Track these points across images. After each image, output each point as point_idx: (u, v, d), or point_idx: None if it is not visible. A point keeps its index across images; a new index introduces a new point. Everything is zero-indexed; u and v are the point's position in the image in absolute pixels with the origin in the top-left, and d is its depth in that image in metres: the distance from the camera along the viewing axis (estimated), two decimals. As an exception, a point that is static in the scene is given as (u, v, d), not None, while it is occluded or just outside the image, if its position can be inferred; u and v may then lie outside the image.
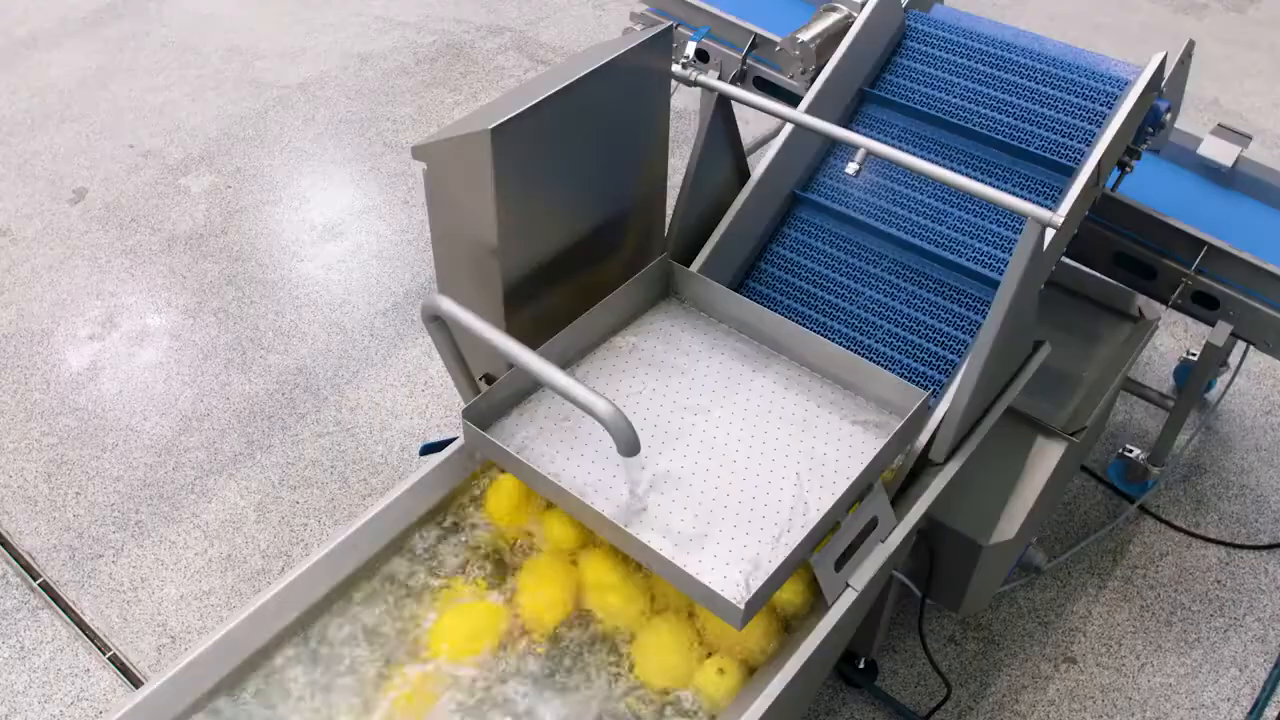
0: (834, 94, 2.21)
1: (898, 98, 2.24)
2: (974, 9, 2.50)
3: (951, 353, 2.01)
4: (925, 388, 1.98)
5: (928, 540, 1.99)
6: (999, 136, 2.14)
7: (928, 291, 2.07)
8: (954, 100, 2.22)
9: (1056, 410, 2.18)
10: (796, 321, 2.08)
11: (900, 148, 2.16)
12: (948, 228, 2.10)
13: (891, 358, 2.04)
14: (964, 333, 2.02)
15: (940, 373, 2.00)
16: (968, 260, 2.06)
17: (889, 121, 2.24)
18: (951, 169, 2.12)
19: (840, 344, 2.00)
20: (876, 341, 2.06)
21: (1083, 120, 2.12)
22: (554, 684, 1.66)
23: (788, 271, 2.17)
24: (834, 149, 2.26)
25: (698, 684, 1.66)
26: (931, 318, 2.05)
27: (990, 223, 2.09)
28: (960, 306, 2.04)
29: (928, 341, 2.04)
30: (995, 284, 2.00)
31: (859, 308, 2.10)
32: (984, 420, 1.94)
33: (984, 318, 1.97)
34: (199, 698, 1.59)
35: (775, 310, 2.07)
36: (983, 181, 2.09)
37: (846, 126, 2.23)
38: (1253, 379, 3.01)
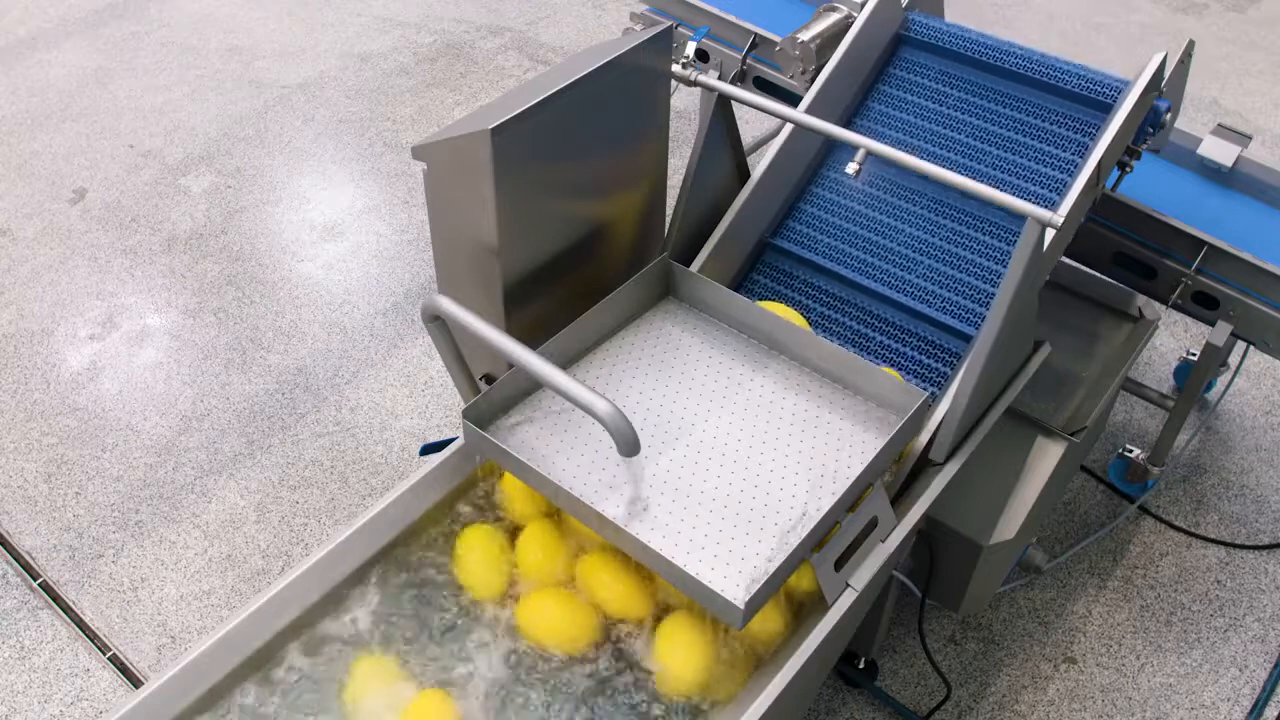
0: (834, 94, 2.21)
1: (931, 39, 2.27)
2: (974, 7, 2.50)
3: (989, 285, 2.04)
4: (966, 320, 2.00)
5: (928, 540, 1.99)
6: (1034, 76, 2.18)
7: (965, 227, 2.11)
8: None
9: (1056, 410, 2.18)
10: (834, 258, 2.14)
11: (935, 90, 2.23)
12: (987, 166, 2.15)
13: (930, 290, 2.08)
14: (997, 263, 2.06)
15: (980, 305, 2.04)
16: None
17: (925, 64, 2.26)
18: (986, 109, 2.19)
19: (880, 281, 2.06)
20: (918, 277, 2.10)
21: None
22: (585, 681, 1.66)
23: (826, 210, 2.21)
24: (834, 146, 2.26)
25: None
26: (970, 252, 2.09)
27: (1026, 159, 2.14)
28: (996, 240, 2.07)
29: (966, 276, 2.08)
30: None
31: (900, 244, 2.13)
32: (984, 420, 1.94)
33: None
34: (199, 697, 1.59)
35: (813, 244, 2.13)
36: (1021, 120, 2.16)
37: (880, 75, 2.27)
38: (1253, 379, 3.01)
